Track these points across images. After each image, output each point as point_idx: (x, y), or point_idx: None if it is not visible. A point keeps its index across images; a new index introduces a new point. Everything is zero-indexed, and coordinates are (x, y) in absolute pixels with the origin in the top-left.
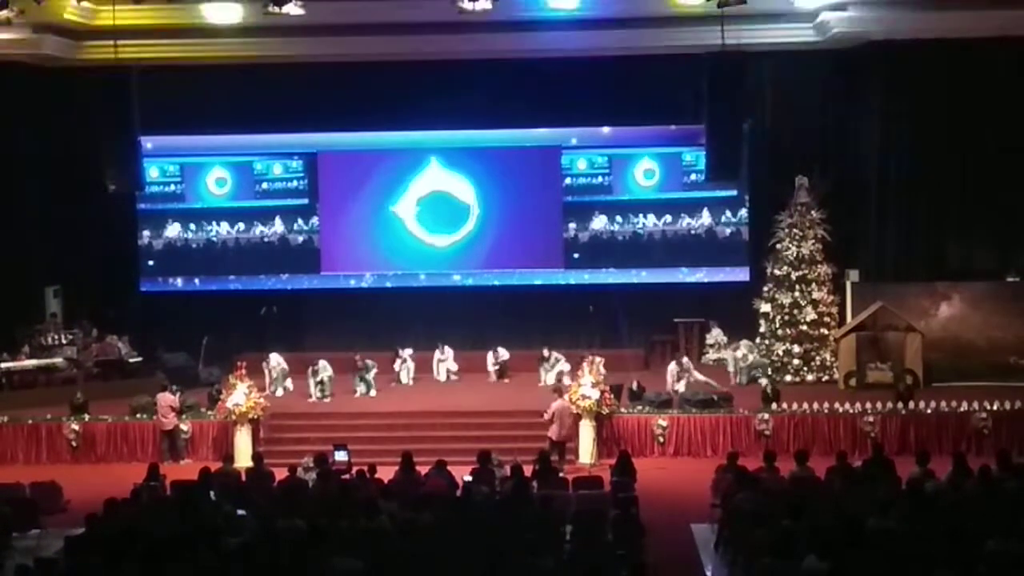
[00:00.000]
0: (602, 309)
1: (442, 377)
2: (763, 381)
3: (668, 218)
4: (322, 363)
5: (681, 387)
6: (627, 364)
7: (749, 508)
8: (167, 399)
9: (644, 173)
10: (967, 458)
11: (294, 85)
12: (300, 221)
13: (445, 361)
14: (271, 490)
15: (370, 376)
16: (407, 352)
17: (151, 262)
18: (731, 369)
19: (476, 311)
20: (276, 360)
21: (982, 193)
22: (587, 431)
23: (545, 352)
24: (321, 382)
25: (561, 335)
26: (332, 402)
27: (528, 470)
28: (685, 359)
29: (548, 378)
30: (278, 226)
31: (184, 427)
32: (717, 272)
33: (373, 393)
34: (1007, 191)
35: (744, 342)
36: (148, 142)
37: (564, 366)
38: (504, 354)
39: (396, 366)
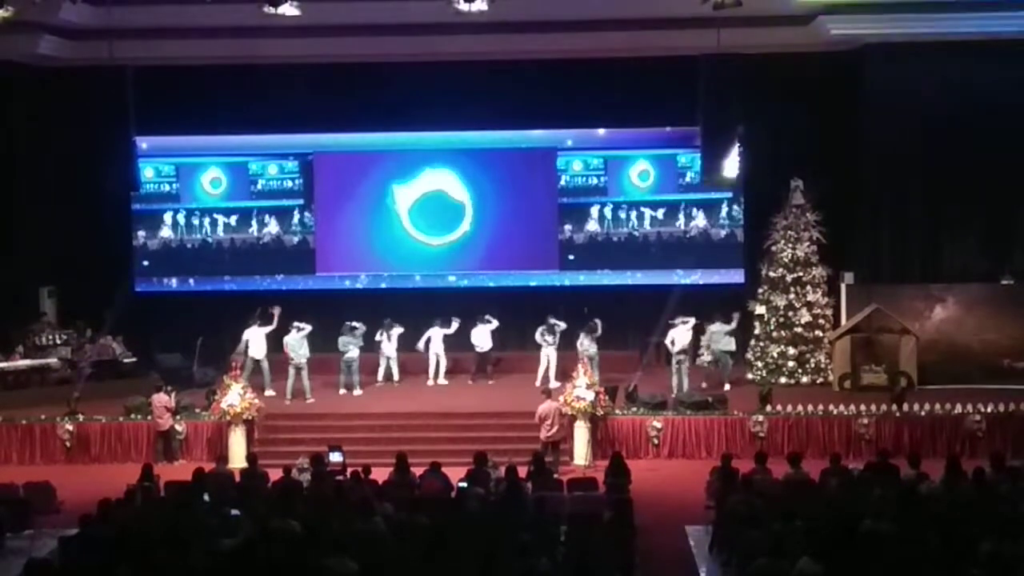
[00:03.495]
0: (598, 310)
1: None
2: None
3: (663, 220)
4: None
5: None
6: (622, 366)
7: (743, 510)
8: (162, 400)
9: (639, 175)
10: (961, 460)
11: (289, 86)
12: (295, 222)
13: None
14: (265, 491)
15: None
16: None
17: (146, 262)
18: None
19: (471, 312)
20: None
21: (977, 196)
22: (581, 432)
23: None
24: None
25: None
26: (327, 403)
27: (523, 471)
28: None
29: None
30: (273, 227)
31: (179, 428)
32: (712, 274)
33: (358, 392)
34: (1002, 194)
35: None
36: (143, 142)
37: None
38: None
39: (378, 336)
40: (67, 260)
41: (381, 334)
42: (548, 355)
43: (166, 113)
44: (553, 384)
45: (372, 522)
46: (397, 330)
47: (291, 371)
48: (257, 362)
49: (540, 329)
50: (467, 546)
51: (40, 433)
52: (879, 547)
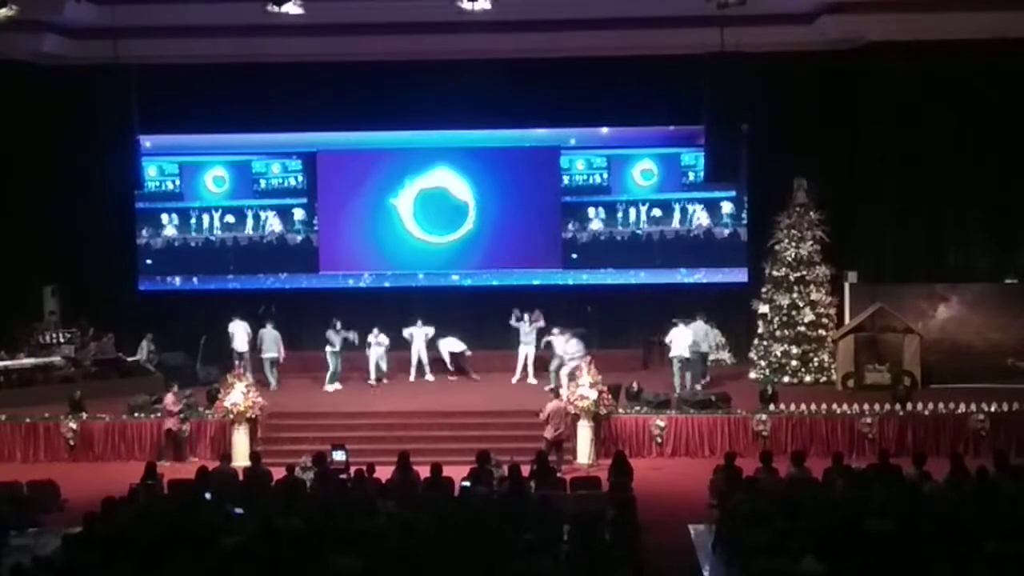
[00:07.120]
0: (600, 309)
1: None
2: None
3: (666, 219)
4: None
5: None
6: (625, 364)
7: (747, 509)
8: (170, 400)
9: (643, 174)
10: (965, 459)
11: (293, 84)
12: (298, 220)
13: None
14: (269, 489)
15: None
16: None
17: (149, 261)
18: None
19: (474, 311)
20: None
21: (981, 195)
22: (585, 431)
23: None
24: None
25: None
26: (329, 401)
27: (526, 470)
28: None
29: (524, 334)
30: (276, 225)
31: (184, 426)
32: (716, 273)
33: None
34: (1006, 193)
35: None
36: (147, 141)
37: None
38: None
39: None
40: (70, 259)
41: (374, 335)
42: (527, 352)
43: (170, 112)
44: (531, 380)
45: (375, 520)
46: (383, 336)
47: (267, 365)
48: (240, 355)
49: (524, 325)
50: (470, 545)
51: (44, 431)
52: (882, 546)
